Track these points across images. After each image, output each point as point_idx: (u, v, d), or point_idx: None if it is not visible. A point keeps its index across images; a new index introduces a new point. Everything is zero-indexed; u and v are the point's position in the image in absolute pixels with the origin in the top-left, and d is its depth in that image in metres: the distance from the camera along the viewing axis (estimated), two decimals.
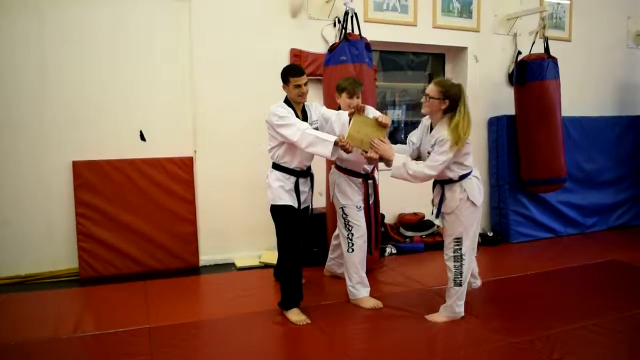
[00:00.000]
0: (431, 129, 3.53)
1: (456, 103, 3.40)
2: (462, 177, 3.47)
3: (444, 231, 3.62)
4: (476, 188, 3.49)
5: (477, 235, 3.62)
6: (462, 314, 3.58)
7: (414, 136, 3.72)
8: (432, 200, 3.66)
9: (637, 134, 6.62)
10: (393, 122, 6.21)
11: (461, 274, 3.50)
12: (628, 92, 6.95)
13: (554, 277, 4.56)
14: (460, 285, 3.51)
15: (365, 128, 3.44)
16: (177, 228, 4.78)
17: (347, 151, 3.40)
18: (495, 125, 5.95)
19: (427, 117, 3.59)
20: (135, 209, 4.65)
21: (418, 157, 3.66)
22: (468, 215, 3.48)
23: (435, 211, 3.60)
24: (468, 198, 3.45)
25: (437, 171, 3.37)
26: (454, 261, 3.51)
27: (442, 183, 3.54)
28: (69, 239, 4.54)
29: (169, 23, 4.76)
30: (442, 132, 3.37)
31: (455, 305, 3.56)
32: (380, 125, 3.47)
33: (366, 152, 3.47)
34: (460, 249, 3.48)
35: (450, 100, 3.39)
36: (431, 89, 3.43)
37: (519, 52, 5.94)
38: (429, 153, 3.44)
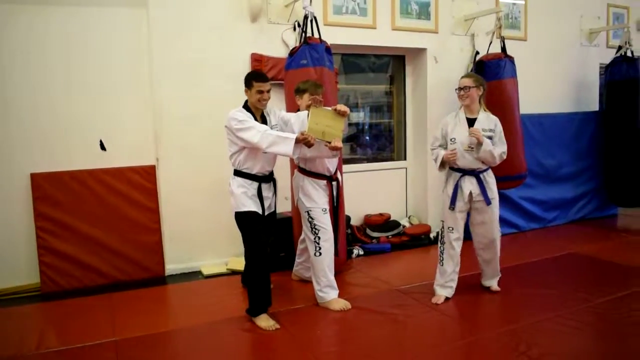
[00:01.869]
0: (468, 121, 3.90)
1: (484, 91, 3.95)
2: None
3: (483, 218, 3.95)
4: None
5: None
6: None
7: (437, 140, 4.05)
8: (464, 192, 3.89)
9: (594, 129, 6.80)
10: (357, 124, 6.25)
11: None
12: (583, 88, 7.13)
13: (518, 272, 4.65)
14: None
15: (324, 119, 3.46)
16: (141, 238, 4.71)
17: (309, 144, 3.41)
18: None
19: (453, 114, 4.02)
20: (98, 220, 4.56)
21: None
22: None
23: (484, 199, 3.89)
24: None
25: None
26: (499, 239, 4.03)
27: (478, 172, 3.87)
28: (30, 253, 4.42)
29: (127, 31, 4.69)
30: (493, 119, 3.94)
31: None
32: (339, 114, 3.50)
33: (329, 143, 3.48)
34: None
35: (484, 87, 3.93)
36: (466, 81, 3.92)
37: (477, 52, 6.03)
38: (471, 148, 3.82)
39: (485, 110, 3.95)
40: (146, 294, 4.35)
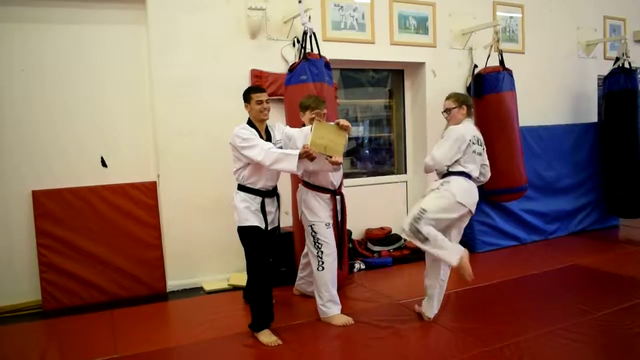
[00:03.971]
0: None
1: (468, 109, 3.89)
2: None
3: None
4: None
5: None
6: None
7: None
8: None
9: (593, 141, 6.81)
10: (357, 138, 6.27)
11: None
12: (581, 100, 7.17)
13: (520, 284, 4.64)
14: None
15: (327, 134, 3.49)
16: (143, 254, 4.71)
17: (312, 158, 3.43)
18: None
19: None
20: (99, 237, 4.56)
21: None
22: None
23: None
24: None
25: None
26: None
27: None
28: (31, 270, 4.41)
29: (127, 48, 4.74)
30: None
31: None
32: (342, 129, 3.53)
33: (331, 157, 3.51)
34: None
35: (467, 105, 3.86)
36: (446, 103, 3.88)
37: (475, 66, 6.07)
38: None
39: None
40: (148, 311, 4.33)
